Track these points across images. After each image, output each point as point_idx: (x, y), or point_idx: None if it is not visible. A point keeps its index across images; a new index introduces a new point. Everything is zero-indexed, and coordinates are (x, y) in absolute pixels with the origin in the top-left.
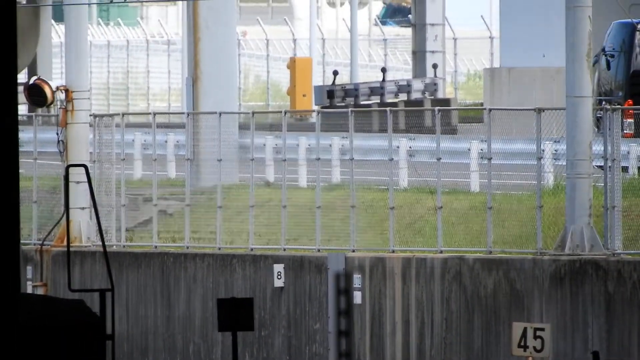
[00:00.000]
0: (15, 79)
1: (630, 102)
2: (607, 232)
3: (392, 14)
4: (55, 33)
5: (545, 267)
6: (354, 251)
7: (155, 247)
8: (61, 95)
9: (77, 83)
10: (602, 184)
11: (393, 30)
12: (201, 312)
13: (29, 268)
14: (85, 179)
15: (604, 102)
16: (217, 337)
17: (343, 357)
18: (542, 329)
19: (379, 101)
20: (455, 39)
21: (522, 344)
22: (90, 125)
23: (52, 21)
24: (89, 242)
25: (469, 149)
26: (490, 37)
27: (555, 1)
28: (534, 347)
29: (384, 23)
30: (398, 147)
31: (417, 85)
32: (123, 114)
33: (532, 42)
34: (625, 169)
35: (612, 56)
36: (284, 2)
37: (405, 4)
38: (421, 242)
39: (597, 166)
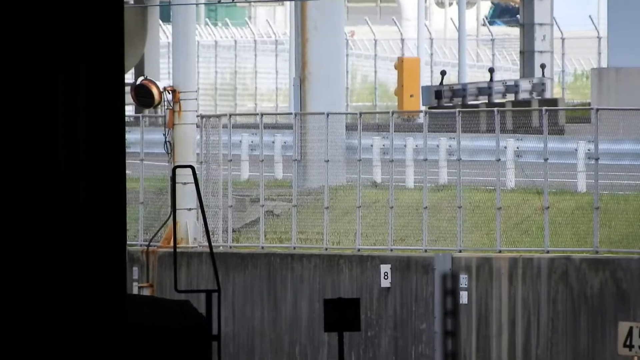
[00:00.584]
0: (123, 79)
1: None
2: None
3: (500, 13)
4: (163, 33)
5: None
6: (460, 251)
7: (262, 247)
8: (168, 96)
9: (184, 83)
10: None
11: (501, 30)
12: (308, 313)
13: (135, 269)
14: (192, 180)
15: None
16: (323, 338)
17: (449, 357)
18: None
19: (486, 101)
20: (563, 39)
21: (628, 343)
22: (197, 126)
23: (160, 21)
24: (196, 243)
25: (576, 149)
26: (598, 37)
27: None
28: None
29: (491, 23)
30: (505, 147)
31: (525, 85)
32: (230, 115)
33: None
34: None
35: None
36: (392, 2)
37: (513, 3)
38: (528, 242)
39: None
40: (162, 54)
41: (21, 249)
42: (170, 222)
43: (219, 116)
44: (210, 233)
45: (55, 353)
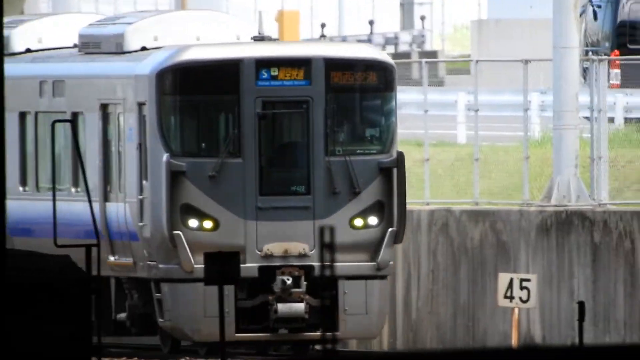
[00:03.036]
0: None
1: (617, 52)
2: (593, 183)
3: None
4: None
5: (532, 218)
6: None
7: None
8: None
9: None
10: (589, 135)
11: None
12: None
13: None
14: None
15: (590, 53)
16: None
17: (325, 309)
18: (528, 280)
19: None
20: None
21: (508, 295)
22: None
23: None
24: None
25: (456, 101)
26: None
27: None
28: (520, 298)
29: None
30: None
31: (405, 37)
32: None
33: None
34: (611, 120)
35: (599, 7)
36: None
37: None
38: (409, 195)
39: (584, 117)
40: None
41: None
42: None
43: None
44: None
45: None
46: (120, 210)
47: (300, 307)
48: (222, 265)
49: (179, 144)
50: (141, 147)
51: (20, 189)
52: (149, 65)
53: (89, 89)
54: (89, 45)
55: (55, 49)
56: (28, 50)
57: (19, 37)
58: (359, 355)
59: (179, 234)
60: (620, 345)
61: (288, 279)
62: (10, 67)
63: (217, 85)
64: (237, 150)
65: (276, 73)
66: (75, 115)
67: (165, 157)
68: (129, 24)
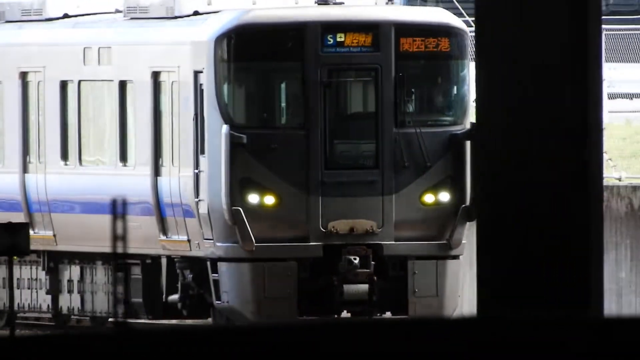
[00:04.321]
0: None
1: None
2: None
3: None
4: None
5: None
6: None
7: None
8: None
9: None
10: None
11: None
12: None
13: None
14: None
15: None
16: None
17: None
18: None
19: None
20: None
21: None
22: None
23: None
24: None
25: None
26: None
27: None
28: None
29: None
30: None
31: None
32: None
33: None
34: None
35: None
36: None
37: None
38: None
39: None
40: None
41: None
42: None
43: None
44: None
45: None
46: (173, 184)
47: (366, 288)
48: (10, 236)
49: (239, 114)
50: (197, 118)
51: (62, 162)
52: (207, 30)
53: (138, 56)
54: (136, 10)
55: (95, 14)
56: (66, 16)
57: (56, 1)
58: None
59: (238, 210)
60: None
61: (354, 259)
62: (49, 33)
63: (280, 51)
64: (300, 121)
65: (342, 39)
66: (123, 84)
67: (224, 128)
68: None
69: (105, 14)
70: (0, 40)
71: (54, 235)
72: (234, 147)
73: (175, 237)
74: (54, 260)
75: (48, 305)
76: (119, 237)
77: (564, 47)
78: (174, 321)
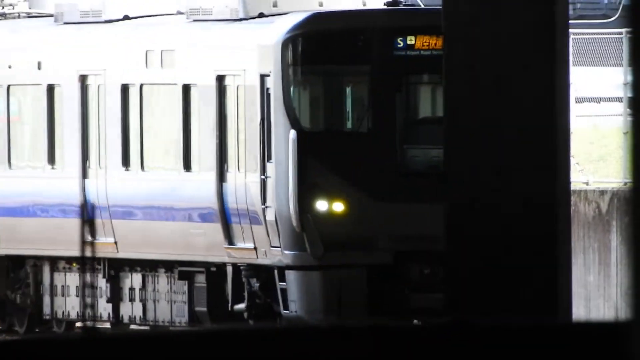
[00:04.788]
0: None
1: None
2: None
3: None
4: None
5: None
6: None
7: None
8: None
9: None
10: None
11: None
12: None
13: None
14: None
15: None
16: None
17: None
18: None
19: None
20: None
21: None
22: None
23: None
24: None
25: None
26: None
27: None
28: None
29: None
30: None
31: None
32: None
33: None
34: None
35: None
36: None
37: None
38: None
39: None
40: None
41: None
42: None
43: None
44: None
45: None
46: (239, 191)
47: (437, 297)
48: None
49: (307, 118)
50: (264, 122)
51: (123, 168)
52: (273, 33)
53: (202, 59)
54: (199, 12)
55: (156, 16)
56: (126, 17)
57: (116, 3)
58: None
59: (307, 217)
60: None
61: (425, 267)
62: (109, 35)
63: (349, 54)
64: (371, 126)
65: (413, 42)
66: (187, 87)
67: (292, 133)
68: None
69: (167, 16)
70: (59, 42)
71: (115, 243)
72: (302, 153)
73: (241, 245)
74: (115, 268)
75: (109, 314)
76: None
77: (530, 54)
78: None
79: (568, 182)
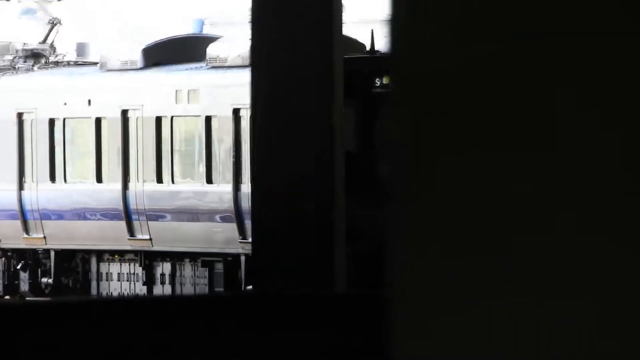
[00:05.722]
0: None
1: None
2: None
3: None
4: None
5: None
6: None
7: None
8: None
9: None
10: None
11: None
12: None
13: None
14: None
15: None
16: None
17: None
18: None
19: None
20: None
21: None
22: None
23: None
24: None
25: None
26: None
27: None
28: None
29: None
30: None
31: None
32: None
33: None
34: None
35: None
36: None
37: None
38: None
39: None
40: None
41: None
42: None
43: None
44: None
45: None
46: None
47: None
48: None
49: None
50: None
51: (156, 181)
52: None
53: (221, 96)
54: (216, 60)
55: (182, 64)
56: (157, 64)
57: (149, 53)
58: None
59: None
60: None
61: None
62: (145, 78)
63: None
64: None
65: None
66: (209, 118)
67: None
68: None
69: (191, 64)
70: (105, 85)
71: (150, 239)
72: None
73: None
74: (149, 259)
75: (144, 294)
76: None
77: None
78: None
79: (342, 169)
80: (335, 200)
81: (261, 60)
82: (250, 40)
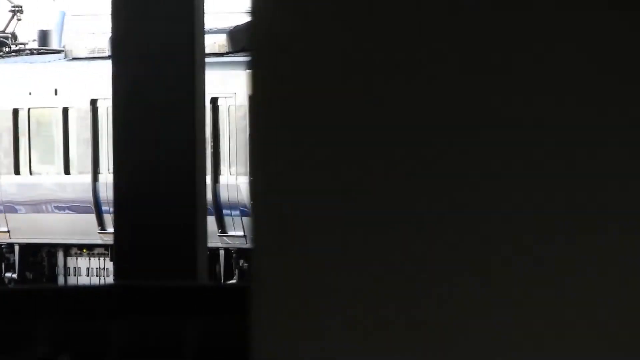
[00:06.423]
0: None
1: None
2: None
3: None
4: None
5: None
6: None
7: None
8: None
9: None
10: None
11: None
12: None
13: None
14: None
15: None
16: None
17: None
18: None
19: None
20: None
21: None
22: None
23: None
24: None
25: None
26: None
27: None
28: None
29: None
30: None
31: None
32: None
33: None
34: None
35: None
36: None
37: None
38: None
39: None
40: None
41: None
42: None
43: None
44: None
45: None
46: (231, 190)
47: None
48: None
49: None
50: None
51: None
52: None
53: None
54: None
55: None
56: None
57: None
58: None
59: None
60: None
61: None
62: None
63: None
64: None
65: None
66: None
67: None
68: None
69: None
70: (72, 74)
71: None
72: None
73: (232, 233)
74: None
75: None
76: None
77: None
78: None
79: (203, 172)
80: (197, 193)
81: (121, 51)
82: (110, 32)
